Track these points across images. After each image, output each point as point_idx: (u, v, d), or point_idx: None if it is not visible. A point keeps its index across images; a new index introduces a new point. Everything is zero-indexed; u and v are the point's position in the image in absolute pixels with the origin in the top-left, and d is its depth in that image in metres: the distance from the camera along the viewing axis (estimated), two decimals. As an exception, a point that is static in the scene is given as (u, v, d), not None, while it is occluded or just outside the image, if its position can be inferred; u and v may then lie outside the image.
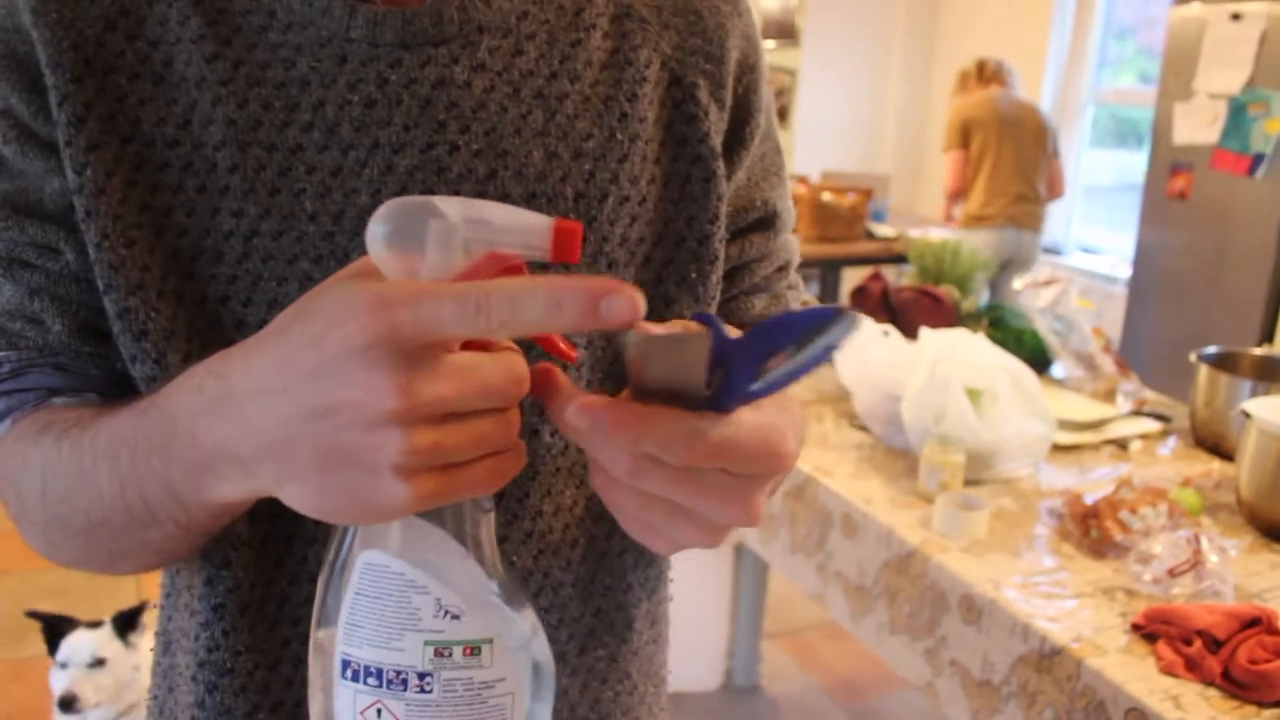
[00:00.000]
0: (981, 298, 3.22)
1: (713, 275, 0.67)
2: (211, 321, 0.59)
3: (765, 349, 0.41)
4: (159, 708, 0.70)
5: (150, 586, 2.86)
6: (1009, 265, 4.41)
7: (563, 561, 0.67)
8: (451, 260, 0.41)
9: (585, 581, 0.68)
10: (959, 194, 4.52)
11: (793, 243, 0.78)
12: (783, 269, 0.77)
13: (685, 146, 0.66)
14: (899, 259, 4.27)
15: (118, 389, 0.61)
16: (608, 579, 0.70)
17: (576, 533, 0.67)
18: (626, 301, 0.39)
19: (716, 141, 0.67)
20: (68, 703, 1.92)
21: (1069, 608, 1.47)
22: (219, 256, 0.59)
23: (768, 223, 0.73)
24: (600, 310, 0.39)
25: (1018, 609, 1.47)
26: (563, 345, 0.52)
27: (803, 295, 0.81)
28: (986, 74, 4.47)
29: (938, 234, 4.08)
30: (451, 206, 0.41)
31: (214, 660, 0.62)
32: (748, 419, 0.43)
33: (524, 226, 0.42)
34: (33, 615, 2.03)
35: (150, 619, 2.06)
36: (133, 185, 0.58)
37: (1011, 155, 4.33)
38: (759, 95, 0.70)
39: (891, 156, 6.37)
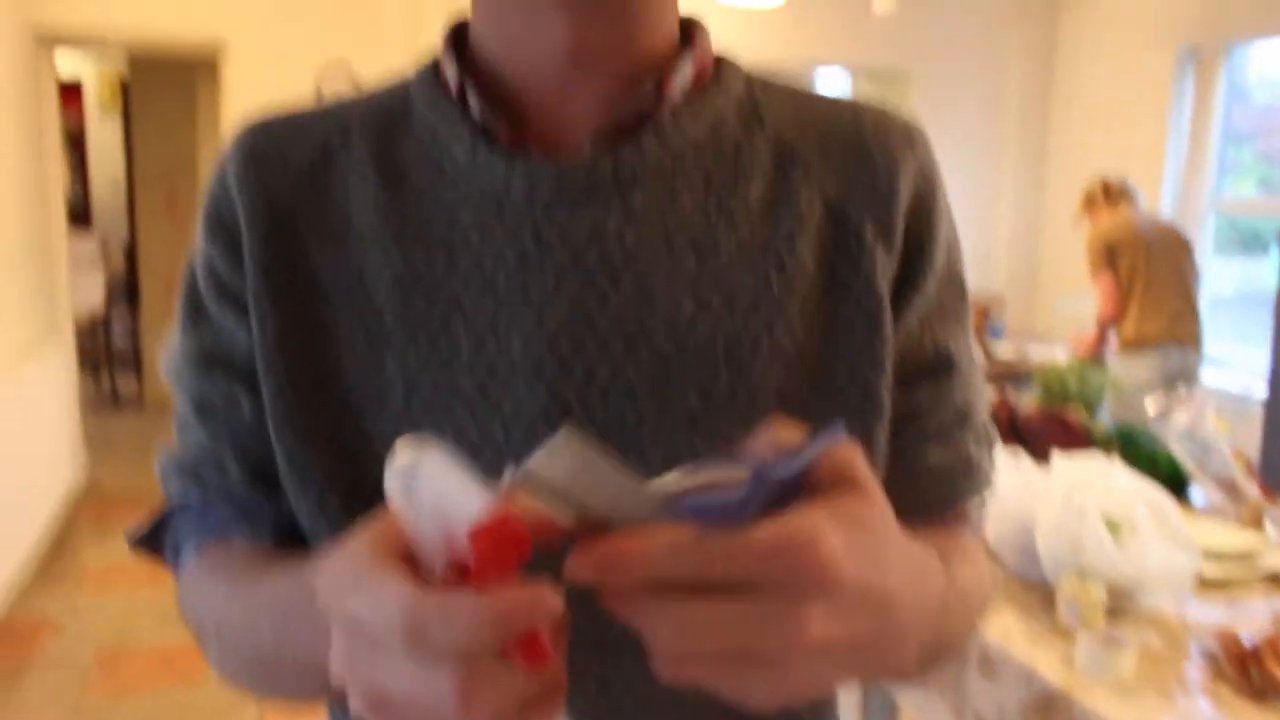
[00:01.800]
0: (1106, 419, 3.13)
1: (877, 427, 0.63)
2: (376, 466, 0.61)
3: (780, 469, 0.38)
4: None
5: (273, 711, 2.91)
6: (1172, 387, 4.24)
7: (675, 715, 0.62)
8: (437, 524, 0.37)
9: None
10: (1115, 319, 4.39)
11: (977, 391, 0.71)
12: (963, 419, 0.70)
13: (848, 291, 0.63)
14: (1018, 378, 4.18)
15: (290, 530, 0.65)
16: None
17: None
18: (548, 603, 0.35)
19: (883, 285, 0.63)
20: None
21: (1232, 758, 1.38)
22: (383, 405, 0.61)
23: (942, 372, 0.68)
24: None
25: (1175, 759, 1.38)
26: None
27: (989, 446, 0.73)
28: (1113, 194, 4.41)
29: (1062, 355, 3.98)
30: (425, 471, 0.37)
31: None
32: (767, 523, 0.38)
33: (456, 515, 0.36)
34: None
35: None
36: (310, 338, 0.62)
37: (1163, 273, 4.22)
38: (935, 233, 0.66)
39: (1005, 275, 6.29)
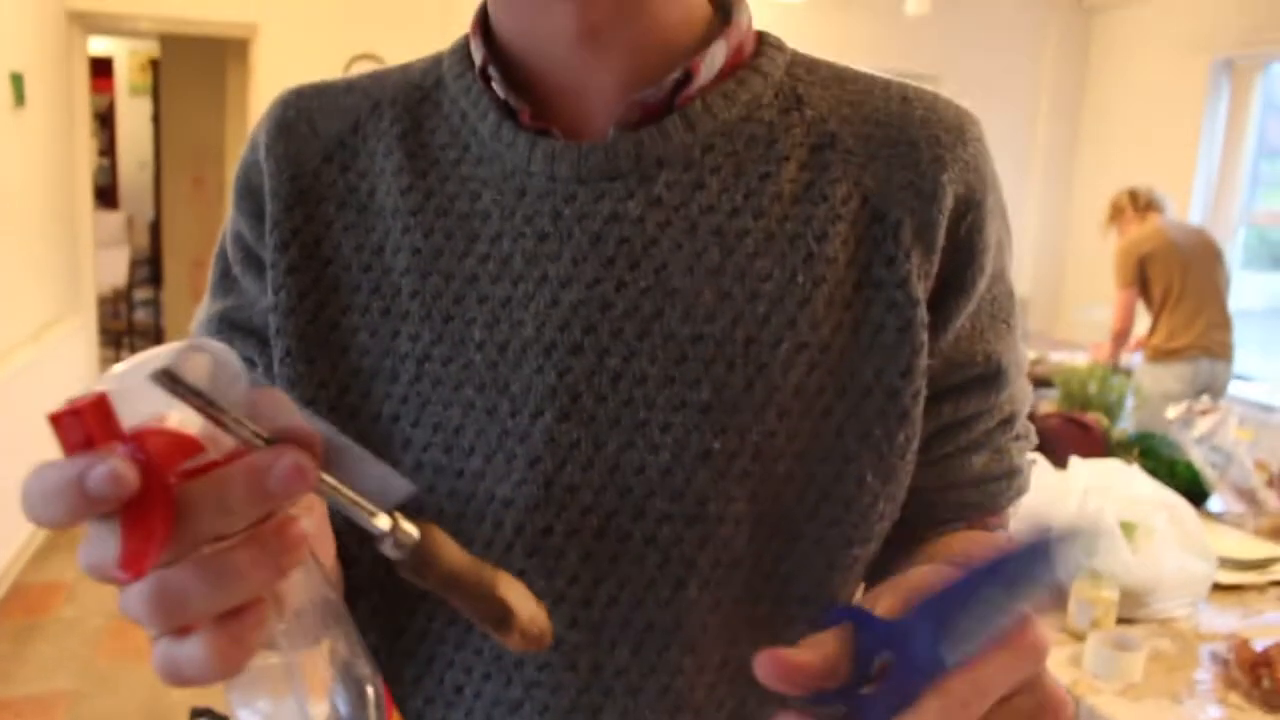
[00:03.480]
0: (1127, 425, 3.10)
1: (900, 434, 0.60)
2: (382, 439, 0.61)
3: (948, 612, 0.36)
4: None
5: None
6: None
7: None
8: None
9: None
10: (1125, 334, 4.34)
11: (1022, 393, 0.69)
12: (1007, 422, 0.68)
13: (881, 290, 0.60)
14: (1041, 383, 4.15)
15: None
16: None
17: (723, 693, 0.62)
18: (290, 469, 0.34)
19: (918, 287, 0.60)
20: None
21: (1240, 764, 1.37)
22: (395, 377, 0.61)
23: (990, 380, 0.65)
24: (270, 487, 0.34)
25: (1182, 762, 1.37)
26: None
27: (1029, 445, 0.71)
28: (1141, 203, 4.35)
29: (1083, 363, 3.95)
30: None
31: None
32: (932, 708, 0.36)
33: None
34: (195, 715, 2.08)
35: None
36: (324, 306, 0.62)
37: (1196, 283, 4.16)
38: (984, 236, 0.62)
39: (1029, 281, 6.25)
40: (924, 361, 0.60)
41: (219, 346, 0.35)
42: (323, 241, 0.63)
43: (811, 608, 0.61)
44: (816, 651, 0.39)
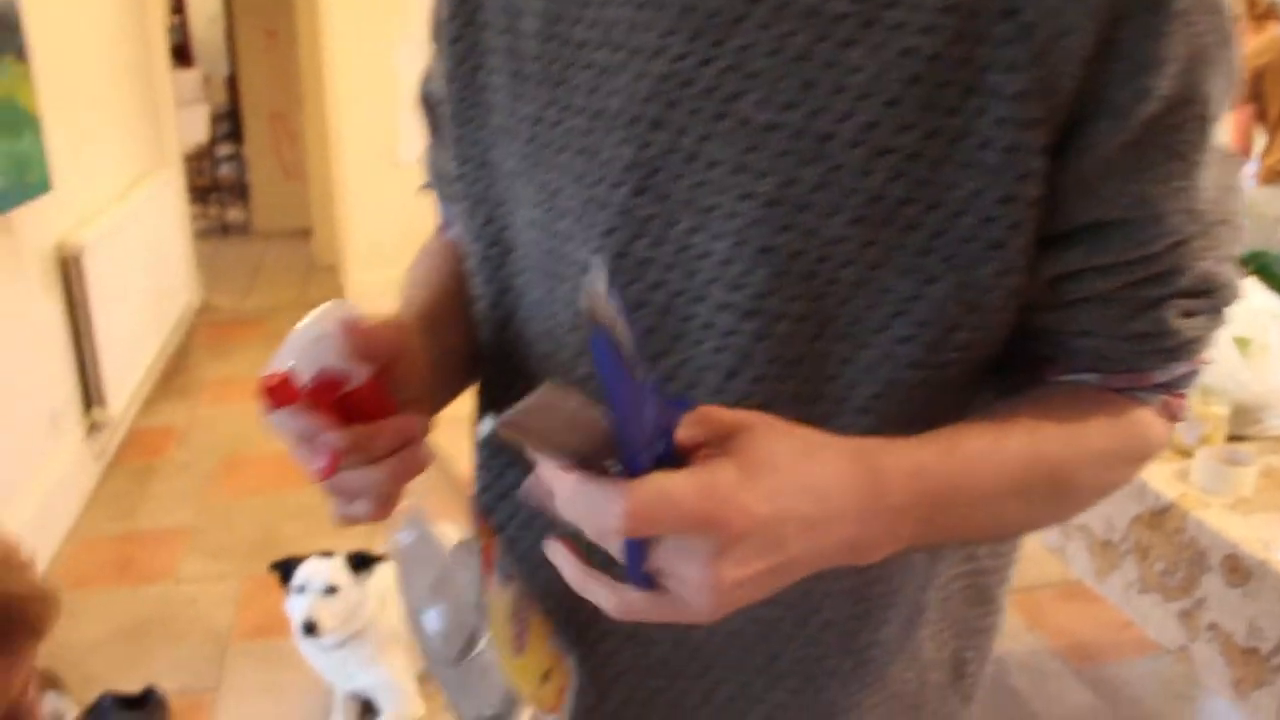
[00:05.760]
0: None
1: (989, 264, 0.55)
2: (508, 194, 0.67)
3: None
4: None
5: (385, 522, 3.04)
6: None
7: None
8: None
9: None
10: (1243, 154, 4.09)
11: (1200, 247, 0.57)
12: (1164, 277, 0.57)
13: (993, 101, 0.52)
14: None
15: None
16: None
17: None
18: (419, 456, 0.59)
19: (1038, 105, 0.52)
20: (310, 627, 2.06)
21: (1356, 572, 1.34)
22: (516, 136, 0.65)
23: (1139, 226, 0.55)
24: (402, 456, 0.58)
25: (1295, 570, 1.35)
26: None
27: (1206, 310, 0.60)
28: (1259, 10, 4.05)
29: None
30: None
31: None
32: (684, 481, 0.45)
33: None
34: (275, 566, 2.17)
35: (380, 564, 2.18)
36: (477, 70, 0.67)
37: None
38: (1157, 47, 0.51)
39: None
40: (1032, 191, 0.54)
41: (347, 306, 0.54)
42: (478, 10, 0.67)
43: (869, 419, 0.60)
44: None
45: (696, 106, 0.57)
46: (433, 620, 0.59)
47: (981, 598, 0.75)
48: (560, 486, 0.46)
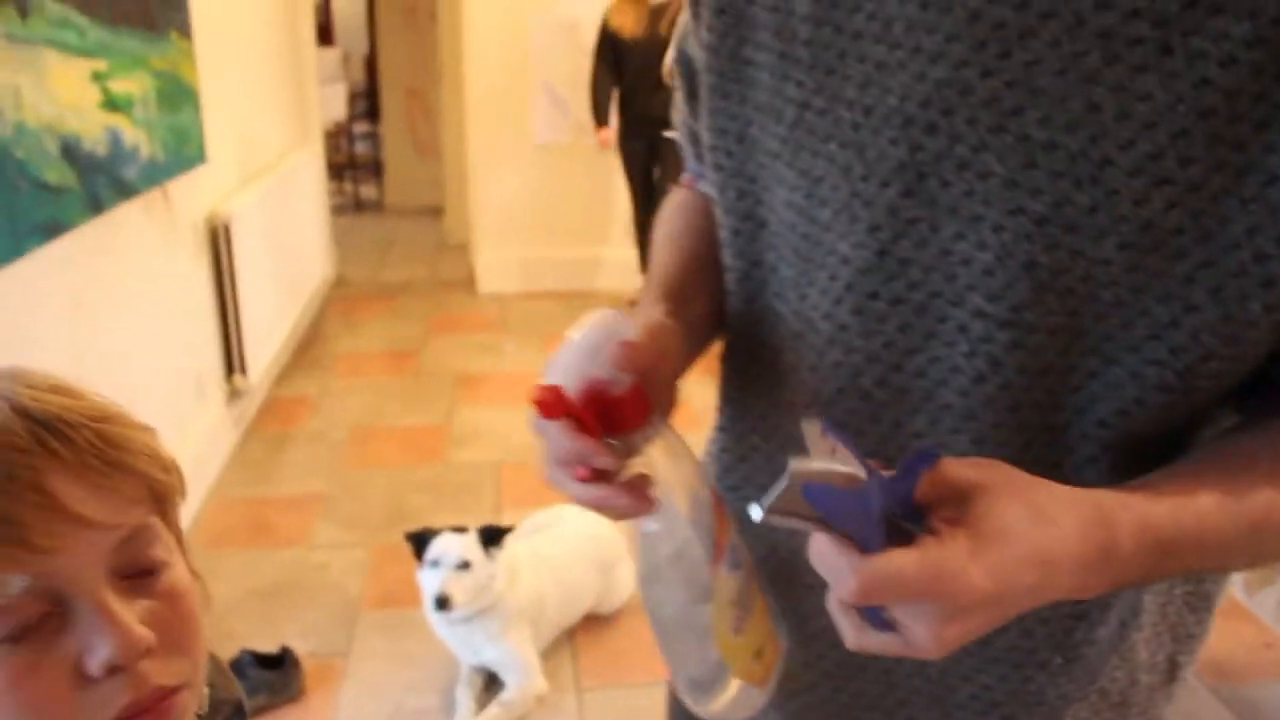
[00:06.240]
0: None
1: (1256, 300, 0.53)
2: (764, 174, 0.67)
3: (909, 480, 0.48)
4: None
5: (509, 497, 3.08)
6: None
7: None
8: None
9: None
10: None
11: None
12: None
13: None
14: None
15: None
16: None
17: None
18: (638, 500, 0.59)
19: None
20: (442, 602, 2.09)
21: None
22: (779, 118, 0.65)
23: None
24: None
25: None
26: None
27: None
28: None
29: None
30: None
31: None
32: (918, 555, 0.47)
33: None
34: (409, 537, 2.21)
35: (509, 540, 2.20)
36: (741, 44, 0.66)
37: None
38: None
39: None
40: None
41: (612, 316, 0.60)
42: None
43: (1108, 433, 0.59)
44: None
45: (974, 116, 0.56)
46: (661, 590, 0.64)
47: (1202, 605, 0.74)
48: (812, 545, 0.49)
